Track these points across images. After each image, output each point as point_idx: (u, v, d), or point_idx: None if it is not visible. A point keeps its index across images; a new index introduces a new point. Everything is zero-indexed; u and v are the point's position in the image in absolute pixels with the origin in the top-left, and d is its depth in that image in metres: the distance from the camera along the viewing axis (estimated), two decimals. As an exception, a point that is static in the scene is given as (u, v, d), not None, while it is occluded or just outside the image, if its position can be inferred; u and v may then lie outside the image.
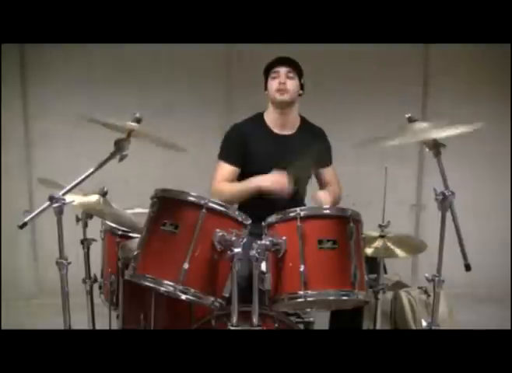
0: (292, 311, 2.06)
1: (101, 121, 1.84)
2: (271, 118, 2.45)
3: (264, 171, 2.36)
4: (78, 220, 2.26)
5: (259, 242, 1.69)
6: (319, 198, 2.28)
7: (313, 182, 2.60)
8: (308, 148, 2.46)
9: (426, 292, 2.65)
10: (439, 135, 1.71)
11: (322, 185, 2.60)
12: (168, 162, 3.40)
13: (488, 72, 3.66)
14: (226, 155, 2.41)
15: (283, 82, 2.35)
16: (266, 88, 2.44)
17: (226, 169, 2.39)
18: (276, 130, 2.45)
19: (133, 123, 1.78)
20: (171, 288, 1.68)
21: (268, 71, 2.43)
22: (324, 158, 2.57)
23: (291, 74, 2.37)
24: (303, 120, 2.52)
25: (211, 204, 1.72)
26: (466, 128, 1.72)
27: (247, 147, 2.39)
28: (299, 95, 2.45)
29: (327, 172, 2.59)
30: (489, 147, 3.72)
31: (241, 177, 2.43)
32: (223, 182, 2.37)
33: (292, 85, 2.36)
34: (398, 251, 1.99)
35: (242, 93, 3.49)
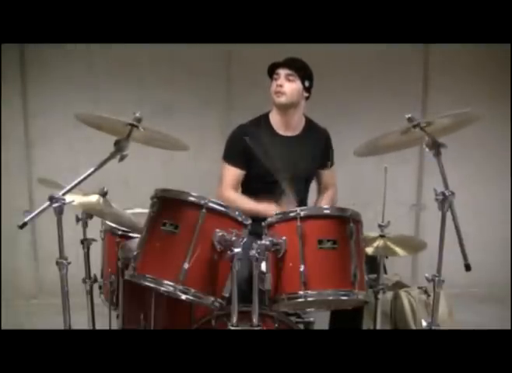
0: (292, 311, 2.05)
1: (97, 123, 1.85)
2: (275, 119, 2.45)
3: (268, 172, 2.36)
4: (78, 220, 2.25)
5: (259, 242, 1.69)
6: None
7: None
8: (311, 150, 2.46)
9: (426, 292, 2.65)
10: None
11: (320, 186, 2.61)
12: (168, 161, 3.40)
13: (488, 72, 3.66)
14: (231, 157, 2.41)
15: (280, 85, 2.35)
16: None
17: (233, 173, 2.40)
18: (280, 131, 2.44)
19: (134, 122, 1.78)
20: (171, 288, 1.68)
21: (270, 72, 2.43)
22: (326, 160, 2.57)
23: (291, 77, 2.35)
24: (308, 121, 2.51)
25: (211, 204, 1.71)
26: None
27: (251, 148, 2.39)
28: (307, 98, 2.44)
29: (327, 174, 2.59)
30: (489, 147, 3.72)
31: (245, 178, 2.44)
32: (233, 190, 2.38)
33: (290, 87, 2.35)
34: (398, 250, 2.00)
35: (241, 93, 3.50)
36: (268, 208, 2.16)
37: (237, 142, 2.42)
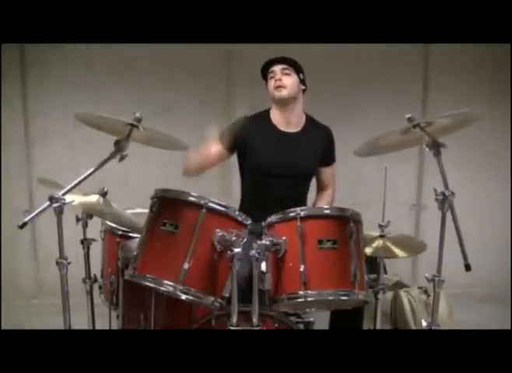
0: (292, 311, 2.05)
1: (97, 123, 1.85)
2: (276, 116, 2.45)
3: (263, 167, 2.36)
4: (78, 220, 2.26)
5: (259, 242, 1.69)
6: None
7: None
8: (312, 147, 2.46)
9: (426, 292, 2.65)
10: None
11: (320, 184, 2.61)
12: (168, 162, 3.40)
13: (488, 72, 3.66)
14: (222, 135, 2.40)
15: (279, 79, 2.36)
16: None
17: (214, 146, 2.40)
18: (281, 128, 2.44)
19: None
20: (171, 288, 1.68)
21: (265, 73, 2.44)
22: (327, 157, 2.56)
23: (287, 71, 2.38)
24: (309, 118, 2.51)
25: (211, 204, 1.71)
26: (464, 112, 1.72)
27: (248, 141, 2.39)
28: (303, 91, 2.45)
29: (327, 172, 2.58)
30: (489, 147, 3.73)
31: (241, 171, 2.44)
32: (196, 152, 2.39)
33: (288, 80, 2.37)
34: (398, 251, 2.00)
35: (241, 93, 3.50)
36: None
37: (235, 128, 2.43)
